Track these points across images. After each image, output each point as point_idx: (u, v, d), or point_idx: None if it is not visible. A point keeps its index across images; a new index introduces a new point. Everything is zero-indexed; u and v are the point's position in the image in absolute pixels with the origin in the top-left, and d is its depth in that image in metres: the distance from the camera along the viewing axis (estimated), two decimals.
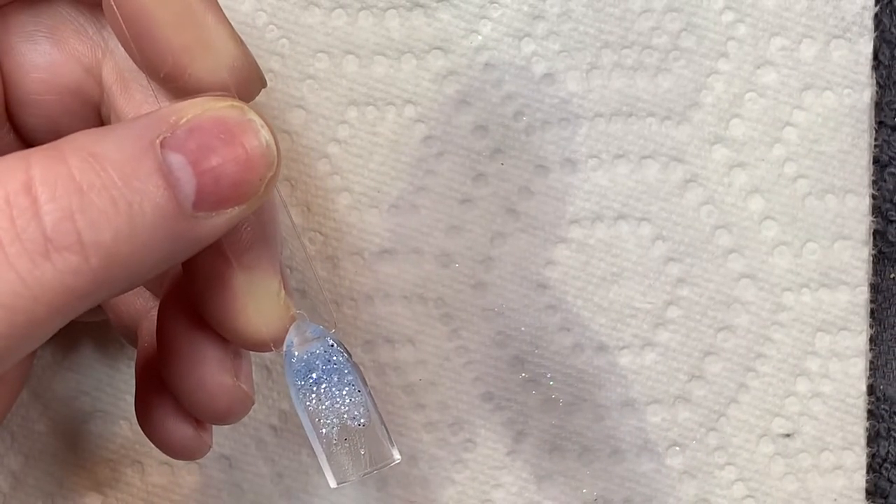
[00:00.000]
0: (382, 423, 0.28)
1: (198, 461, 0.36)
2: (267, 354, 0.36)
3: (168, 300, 0.29)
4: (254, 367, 0.36)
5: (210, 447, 0.30)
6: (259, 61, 0.35)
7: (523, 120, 0.35)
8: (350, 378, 0.27)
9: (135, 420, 0.36)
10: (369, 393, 0.28)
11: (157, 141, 0.23)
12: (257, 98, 0.35)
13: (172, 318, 0.28)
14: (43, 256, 0.22)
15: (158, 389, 0.29)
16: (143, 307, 0.31)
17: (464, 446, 0.36)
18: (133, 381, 0.31)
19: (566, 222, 0.36)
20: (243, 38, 0.34)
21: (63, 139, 0.23)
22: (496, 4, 0.35)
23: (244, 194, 0.24)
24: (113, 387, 0.36)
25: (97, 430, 0.36)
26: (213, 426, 0.30)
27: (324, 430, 0.27)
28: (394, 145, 0.35)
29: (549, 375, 0.36)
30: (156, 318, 0.29)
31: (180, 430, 0.29)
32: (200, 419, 0.29)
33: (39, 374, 0.36)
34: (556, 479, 0.36)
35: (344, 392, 0.27)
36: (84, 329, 0.36)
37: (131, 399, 0.36)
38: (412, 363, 0.36)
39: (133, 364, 0.32)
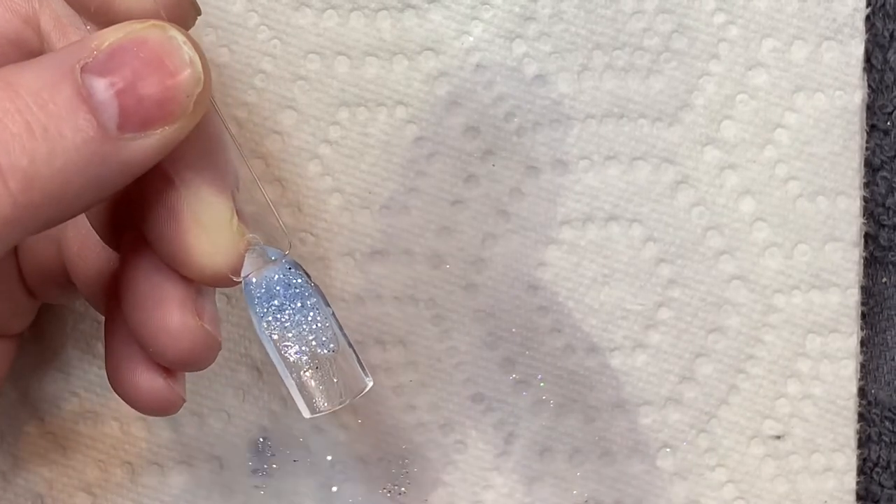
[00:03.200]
0: (352, 347, 0.27)
1: (187, 461, 0.36)
2: (256, 355, 0.36)
3: (127, 245, 0.28)
4: (244, 368, 0.36)
5: (184, 400, 0.29)
6: (250, 62, 0.35)
7: (514, 121, 0.35)
8: (314, 301, 0.27)
9: (125, 421, 0.36)
10: (334, 315, 0.27)
11: (77, 66, 0.24)
12: (249, 99, 0.35)
13: (132, 261, 0.28)
14: None
15: (125, 342, 0.28)
16: (110, 273, 0.30)
17: (455, 447, 0.36)
18: None
19: (557, 224, 0.36)
20: (235, 38, 0.35)
21: None
22: (487, 6, 0.35)
23: (172, 113, 0.24)
24: (102, 387, 0.36)
25: (87, 431, 0.36)
26: (185, 387, 0.30)
27: (292, 359, 0.26)
28: (385, 146, 0.35)
29: (540, 377, 0.36)
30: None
31: (149, 380, 0.28)
32: (166, 365, 0.28)
33: (28, 374, 0.36)
34: (547, 481, 0.36)
35: (309, 317, 0.27)
36: (73, 330, 0.36)
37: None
38: (403, 364, 0.36)
39: None
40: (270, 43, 0.35)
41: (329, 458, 0.36)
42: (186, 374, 0.30)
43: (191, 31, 0.34)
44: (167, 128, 0.24)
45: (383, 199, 0.35)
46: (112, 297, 0.30)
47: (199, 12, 0.28)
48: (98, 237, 0.30)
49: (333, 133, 0.35)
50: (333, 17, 0.35)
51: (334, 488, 0.36)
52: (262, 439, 0.36)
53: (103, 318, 0.30)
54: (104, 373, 0.36)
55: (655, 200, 0.36)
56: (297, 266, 0.27)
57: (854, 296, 0.36)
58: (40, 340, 0.36)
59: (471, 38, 0.35)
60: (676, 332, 0.36)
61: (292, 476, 0.36)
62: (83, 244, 0.30)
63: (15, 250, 0.31)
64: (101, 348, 0.36)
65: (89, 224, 0.30)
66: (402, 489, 0.36)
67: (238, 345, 0.36)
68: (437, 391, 0.36)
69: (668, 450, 0.36)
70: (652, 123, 0.36)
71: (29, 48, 0.28)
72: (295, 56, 0.35)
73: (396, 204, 0.35)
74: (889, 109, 0.36)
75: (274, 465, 0.36)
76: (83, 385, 0.36)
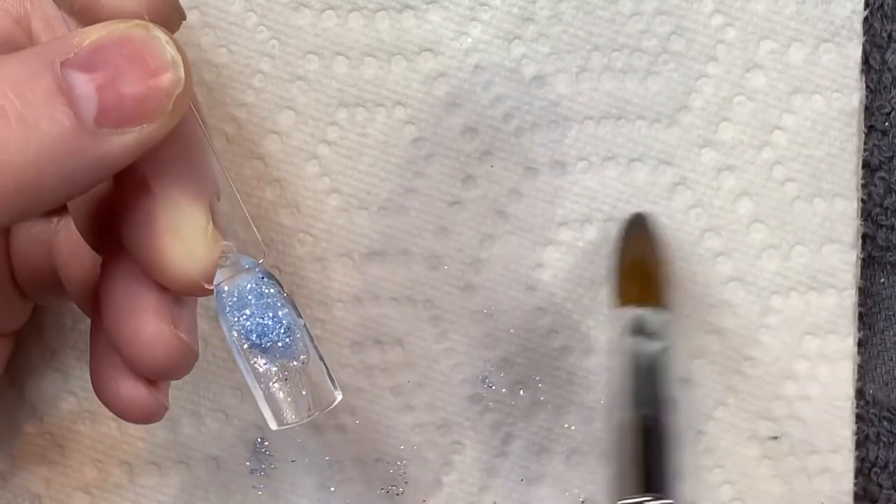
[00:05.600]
0: (321, 359, 0.27)
1: (185, 462, 0.36)
2: None
3: (108, 253, 0.28)
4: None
5: (166, 409, 0.29)
6: (249, 62, 0.35)
7: (513, 122, 0.35)
8: (286, 311, 0.26)
9: (123, 420, 0.36)
10: (305, 327, 0.27)
11: (58, 60, 0.24)
12: (248, 100, 0.35)
13: (110, 269, 0.28)
14: None
15: (108, 350, 0.28)
16: (96, 274, 0.30)
17: (452, 448, 0.36)
18: None
19: (555, 225, 0.36)
20: (233, 39, 0.35)
21: None
22: (486, 6, 0.35)
23: (150, 111, 0.24)
24: None
25: (85, 431, 0.36)
26: (169, 387, 0.30)
27: (261, 370, 0.26)
28: (383, 147, 0.35)
29: (537, 377, 0.36)
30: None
31: (131, 389, 0.28)
32: (142, 373, 0.28)
33: (26, 374, 0.36)
34: (545, 481, 0.36)
35: (280, 328, 0.26)
36: (71, 330, 0.36)
37: None
38: (401, 365, 0.36)
39: None
40: (269, 43, 0.35)
41: (327, 458, 0.36)
42: (178, 377, 0.30)
43: (189, 32, 0.34)
44: (145, 126, 0.24)
45: (381, 200, 0.35)
46: (95, 303, 0.30)
47: (183, 17, 0.28)
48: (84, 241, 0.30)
49: (332, 133, 0.35)
50: (332, 17, 0.35)
51: (332, 488, 0.36)
52: (259, 439, 0.36)
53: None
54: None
55: (653, 202, 0.36)
56: (270, 276, 0.27)
57: (851, 297, 0.36)
58: (38, 340, 0.36)
59: (469, 39, 0.35)
60: (673, 333, 0.36)
61: (290, 476, 0.36)
62: (73, 249, 0.30)
63: (7, 252, 0.31)
64: None
65: (76, 227, 0.30)
66: (400, 490, 0.36)
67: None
68: (434, 392, 0.36)
69: None
70: (650, 125, 0.36)
71: (19, 48, 0.28)
72: (293, 56, 0.35)
73: (394, 204, 0.35)
74: (887, 110, 0.36)
75: (272, 466, 0.36)
76: (81, 385, 0.36)
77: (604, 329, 0.36)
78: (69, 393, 0.36)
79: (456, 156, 0.35)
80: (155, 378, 0.29)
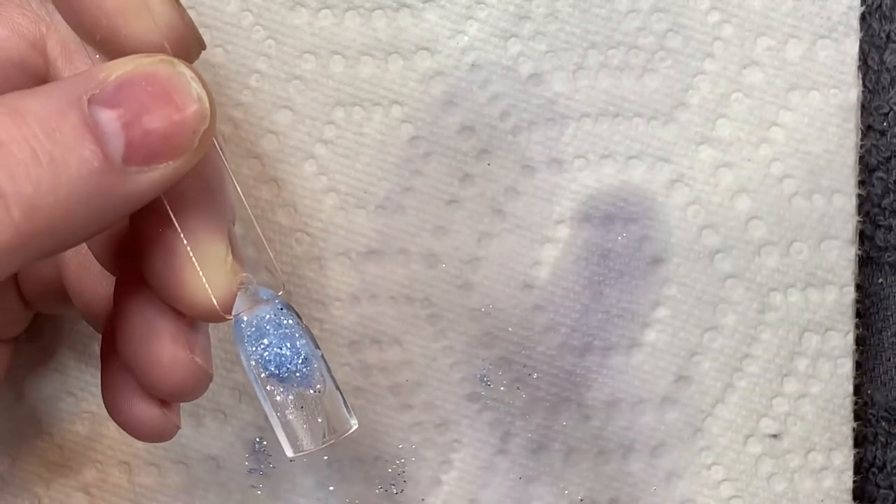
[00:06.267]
0: (338, 388, 0.27)
1: (184, 462, 0.36)
2: None
3: (123, 276, 0.28)
4: (240, 369, 0.36)
5: (178, 428, 0.29)
6: (245, 62, 0.35)
7: (510, 120, 0.35)
8: (303, 342, 0.27)
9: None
10: (323, 357, 0.27)
11: (85, 97, 0.24)
12: (244, 99, 0.35)
13: (127, 292, 0.28)
14: None
15: (121, 371, 0.29)
16: (107, 293, 0.31)
17: (451, 446, 0.36)
18: None
19: (553, 222, 0.36)
20: (229, 38, 0.35)
21: None
22: (482, 5, 0.35)
23: (177, 148, 0.24)
24: (99, 388, 0.36)
25: (84, 432, 0.36)
26: (180, 406, 0.30)
27: (278, 398, 0.27)
28: (380, 146, 0.35)
29: (535, 376, 0.36)
30: None
31: (145, 410, 0.29)
32: (158, 396, 0.28)
33: (25, 375, 0.36)
34: (543, 480, 0.36)
35: (298, 358, 0.27)
36: (69, 331, 0.36)
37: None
38: (399, 363, 0.36)
39: None
40: (265, 43, 0.35)
41: (325, 457, 0.36)
42: (193, 399, 0.30)
43: None
44: (171, 163, 0.24)
45: (379, 199, 0.35)
46: (108, 323, 0.30)
47: (203, 47, 0.27)
48: (96, 260, 0.30)
49: (329, 133, 0.35)
50: (328, 16, 0.35)
51: (331, 487, 0.36)
52: (258, 439, 0.36)
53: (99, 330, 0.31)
54: (101, 373, 0.36)
55: (651, 199, 0.36)
56: (289, 307, 0.27)
57: (850, 294, 0.36)
58: (37, 341, 0.36)
59: (466, 38, 0.35)
60: (672, 330, 0.36)
61: (289, 476, 0.36)
62: (81, 265, 0.30)
63: None
64: (97, 349, 0.36)
65: (87, 247, 0.30)
66: (399, 488, 0.36)
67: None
68: (433, 390, 0.36)
69: (664, 448, 0.36)
70: (647, 122, 0.36)
71: (34, 72, 0.28)
72: (290, 56, 0.35)
73: (392, 203, 0.35)
74: (885, 110, 0.36)
75: (270, 465, 0.36)
76: (80, 385, 0.36)
77: (603, 326, 0.36)
78: (68, 393, 0.36)
79: (453, 154, 0.35)
80: (170, 400, 0.29)
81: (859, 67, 0.36)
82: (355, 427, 0.27)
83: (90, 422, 0.36)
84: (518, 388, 0.36)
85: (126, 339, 0.28)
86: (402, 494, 0.36)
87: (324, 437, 0.27)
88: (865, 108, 0.36)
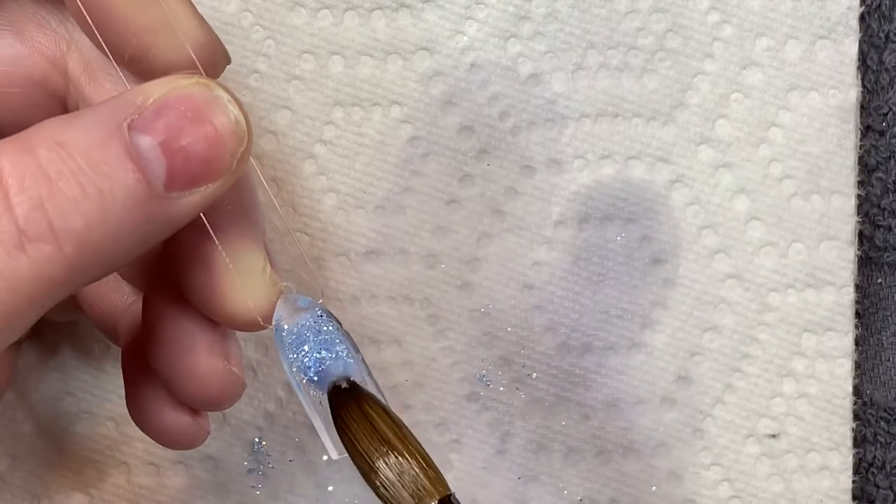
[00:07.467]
0: (379, 390, 0.27)
1: (183, 462, 0.36)
2: (252, 355, 0.36)
3: (153, 288, 0.28)
4: None
5: (209, 433, 0.30)
6: (245, 62, 0.35)
7: (509, 120, 0.35)
8: (343, 347, 0.27)
9: (121, 421, 0.36)
10: (363, 360, 0.27)
11: (125, 124, 0.23)
12: (244, 99, 0.35)
13: (159, 305, 0.28)
14: (18, 248, 0.22)
15: (149, 381, 0.29)
16: (122, 303, 0.31)
17: (450, 447, 0.36)
18: (119, 382, 0.31)
19: (552, 223, 0.36)
20: (229, 38, 0.35)
21: (31, 129, 0.23)
22: (482, 5, 0.35)
23: (216, 171, 0.24)
24: (99, 388, 0.36)
25: (83, 432, 0.36)
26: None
27: (321, 403, 0.27)
28: (380, 146, 0.35)
29: (535, 376, 0.36)
30: (136, 312, 0.29)
31: (177, 419, 0.29)
32: (193, 407, 0.29)
33: (25, 375, 0.36)
34: (542, 480, 0.36)
35: (339, 364, 0.27)
36: (69, 331, 0.36)
37: (117, 400, 0.36)
38: (398, 364, 0.36)
39: (119, 365, 0.32)
40: (265, 43, 0.35)
41: (325, 457, 0.36)
42: (228, 407, 0.30)
43: None
44: (210, 185, 0.24)
45: (378, 199, 0.35)
46: (130, 334, 0.30)
47: (228, 61, 0.27)
48: (115, 273, 0.30)
49: (328, 133, 0.35)
50: (328, 16, 0.35)
51: (330, 487, 0.36)
52: (257, 439, 0.36)
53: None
54: (100, 374, 0.36)
55: (650, 200, 0.36)
56: (328, 314, 0.27)
57: (849, 294, 0.36)
58: (37, 342, 0.36)
59: (465, 38, 0.35)
60: (671, 330, 0.36)
61: (288, 476, 0.36)
62: None
63: None
64: (97, 349, 0.36)
65: None
66: None
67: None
68: (432, 390, 0.36)
69: (663, 449, 0.36)
70: (646, 122, 0.36)
71: (55, 91, 0.28)
72: (289, 56, 0.35)
73: (391, 203, 0.35)
74: (884, 111, 0.36)
75: (270, 465, 0.36)
76: (79, 385, 0.36)
77: (602, 327, 0.36)
78: (67, 394, 0.36)
79: (452, 154, 0.35)
80: (205, 410, 0.29)
81: (858, 68, 0.36)
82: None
83: (89, 422, 0.36)
84: (517, 389, 0.36)
85: (159, 353, 0.28)
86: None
87: None
88: (864, 108, 0.36)
